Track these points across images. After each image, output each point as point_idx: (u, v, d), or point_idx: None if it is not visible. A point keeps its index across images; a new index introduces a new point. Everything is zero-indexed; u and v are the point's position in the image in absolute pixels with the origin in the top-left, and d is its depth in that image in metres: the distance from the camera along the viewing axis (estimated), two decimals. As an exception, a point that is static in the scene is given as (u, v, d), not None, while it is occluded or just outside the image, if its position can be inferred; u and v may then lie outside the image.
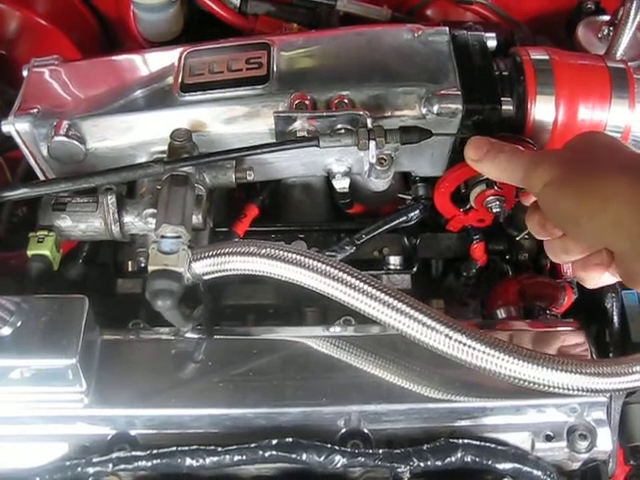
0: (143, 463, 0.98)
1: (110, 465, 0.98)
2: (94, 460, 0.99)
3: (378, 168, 1.12)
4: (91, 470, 0.99)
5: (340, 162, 1.19)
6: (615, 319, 1.14)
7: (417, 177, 1.26)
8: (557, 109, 1.15)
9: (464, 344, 0.94)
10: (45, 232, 1.11)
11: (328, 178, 1.23)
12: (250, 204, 1.27)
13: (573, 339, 1.10)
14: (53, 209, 1.13)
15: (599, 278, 0.97)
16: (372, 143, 1.07)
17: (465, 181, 1.17)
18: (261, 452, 0.98)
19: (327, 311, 1.24)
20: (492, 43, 1.23)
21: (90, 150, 1.16)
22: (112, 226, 1.13)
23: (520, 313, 1.24)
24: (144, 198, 1.14)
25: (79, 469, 0.99)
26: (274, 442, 0.98)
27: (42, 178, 1.20)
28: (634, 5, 1.22)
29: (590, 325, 1.14)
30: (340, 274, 0.97)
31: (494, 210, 1.15)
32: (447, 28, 1.21)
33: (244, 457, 0.98)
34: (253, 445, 0.98)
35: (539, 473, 1.02)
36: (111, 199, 1.11)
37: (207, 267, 1.01)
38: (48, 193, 1.12)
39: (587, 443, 1.04)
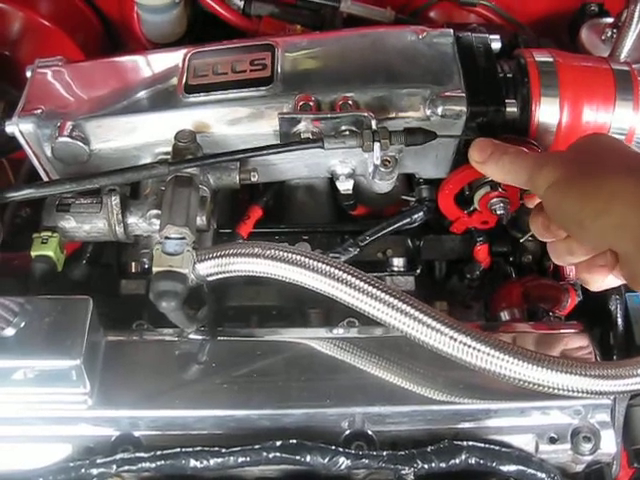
0: (147, 464, 0.98)
1: (114, 466, 0.98)
2: (98, 461, 0.99)
3: (382, 170, 1.12)
4: (95, 471, 0.98)
5: (344, 164, 1.19)
6: (619, 321, 1.14)
7: (421, 179, 1.26)
8: (561, 111, 1.15)
9: (469, 346, 0.94)
10: (49, 233, 1.11)
11: (332, 180, 1.23)
12: (254, 205, 1.27)
13: (577, 341, 1.10)
14: (57, 210, 1.13)
15: (603, 280, 0.97)
16: (376, 145, 1.07)
17: (469, 183, 1.17)
18: (265, 453, 0.98)
19: (330, 313, 1.24)
20: (496, 45, 1.23)
21: (94, 151, 1.16)
22: (116, 227, 1.13)
23: (524, 315, 1.24)
24: (148, 199, 1.14)
25: (83, 470, 0.99)
26: (278, 443, 0.98)
27: (46, 179, 1.20)
28: (638, 7, 1.21)
29: (594, 328, 1.14)
30: (344, 276, 0.97)
31: (498, 212, 1.14)
32: (451, 30, 1.21)
33: (248, 458, 0.98)
34: (257, 446, 0.98)
35: (543, 475, 1.01)
36: (115, 200, 1.11)
37: (211, 268, 1.01)
38: (52, 194, 1.12)
39: (591, 445, 1.04)
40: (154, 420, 1.03)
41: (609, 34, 1.45)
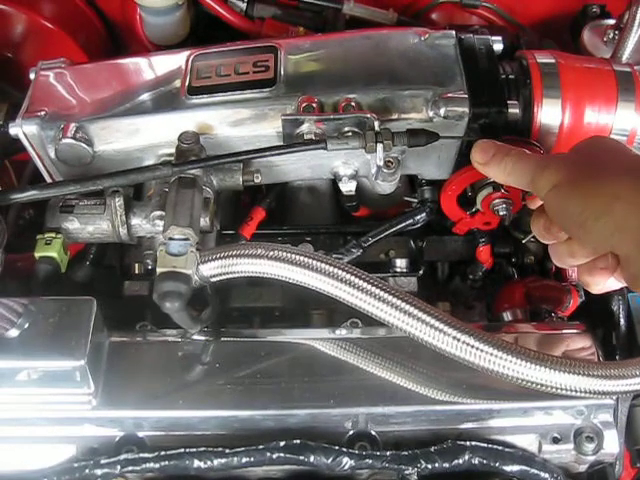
0: (151, 465, 0.99)
1: (118, 467, 0.99)
2: (102, 462, 0.99)
3: (385, 171, 1.12)
4: (99, 472, 0.99)
5: (347, 165, 1.19)
6: (622, 322, 1.14)
7: (423, 180, 1.26)
8: (563, 112, 1.16)
9: (472, 346, 0.94)
10: (53, 234, 1.12)
11: (334, 181, 1.23)
12: (257, 207, 1.27)
13: (580, 342, 1.11)
14: (61, 211, 1.14)
15: (604, 283, 0.96)
16: (379, 146, 1.07)
17: (471, 184, 1.17)
18: (269, 454, 0.98)
19: (333, 314, 1.24)
20: (498, 46, 1.23)
21: (97, 152, 1.17)
22: (120, 228, 1.13)
23: (526, 316, 1.24)
24: (152, 200, 1.14)
25: (87, 471, 0.99)
26: (282, 444, 0.99)
27: (49, 181, 1.21)
28: (640, 9, 1.22)
29: (597, 328, 1.14)
30: (347, 276, 0.97)
31: (500, 213, 1.15)
32: (453, 31, 1.21)
33: (252, 459, 0.98)
34: (261, 447, 0.99)
35: (546, 475, 1.02)
36: (119, 201, 1.11)
37: (215, 269, 1.01)
38: (56, 195, 1.12)
39: (594, 445, 1.04)
40: (158, 421, 1.03)
41: (611, 36, 1.45)
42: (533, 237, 1.07)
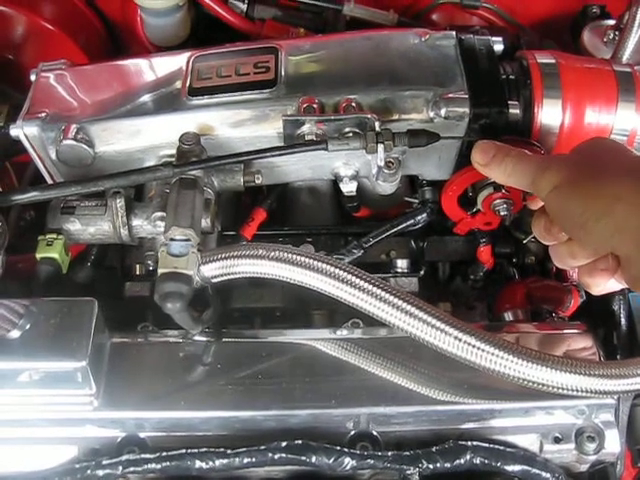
0: (152, 465, 0.99)
1: (119, 468, 0.98)
2: (103, 462, 0.99)
3: (386, 171, 1.12)
4: (100, 473, 0.99)
5: (348, 165, 1.19)
6: (622, 322, 1.14)
7: (424, 180, 1.26)
8: (564, 113, 1.16)
9: (473, 346, 0.94)
10: (54, 235, 1.12)
11: (335, 182, 1.23)
12: (258, 208, 1.27)
13: (581, 341, 1.11)
14: (62, 212, 1.14)
15: (605, 284, 0.97)
16: (380, 146, 1.07)
17: (472, 184, 1.17)
18: (270, 454, 0.98)
19: (334, 314, 1.24)
20: (499, 47, 1.23)
21: (98, 154, 1.17)
22: (121, 229, 1.13)
23: (527, 316, 1.24)
24: (153, 201, 1.14)
25: (88, 471, 0.99)
26: (283, 444, 0.99)
27: (50, 182, 1.21)
28: (640, 9, 1.22)
29: (598, 328, 1.14)
30: (348, 277, 0.97)
31: (501, 213, 1.15)
32: (454, 32, 1.22)
33: (253, 459, 0.98)
34: (262, 447, 0.98)
35: (547, 475, 1.02)
36: (120, 202, 1.12)
37: (216, 270, 1.01)
38: (57, 196, 1.12)
39: (595, 445, 1.04)
40: (159, 421, 1.03)
41: (611, 36, 1.45)
42: (534, 237, 1.07)
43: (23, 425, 1.03)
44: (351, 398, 1.03)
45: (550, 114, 1.16)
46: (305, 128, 1.11)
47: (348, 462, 0.98)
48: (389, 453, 1.00)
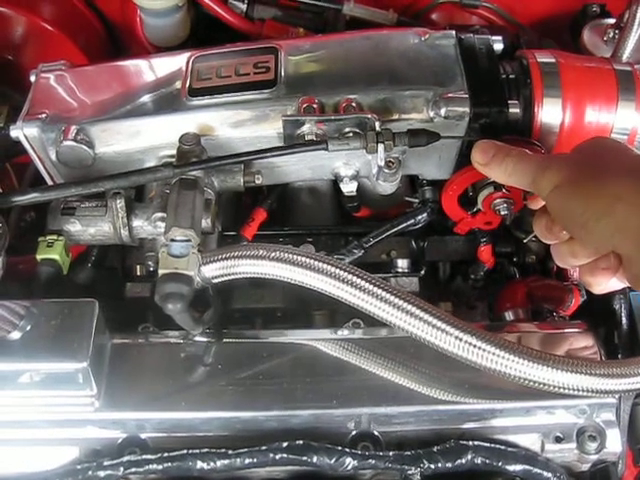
0: (154, 466, 0.99)
1: (121, 469, 0.98)
2: (105, 464, 0.99)
3: (386, 171, 1.12)
4: (102, 474, 0.99)
5: (348, 165, 1.19)
6: (624, 321, 1.14)
7: (424, 180, 1.26)
8: (564, 112, 1.16)
9: (474, 346, 0.94)
10: (54, 236, 1.12)
11: (335, 182, 1.23)
12: (258, 208, 1.27)
13: (582, 341, 1.10)
14: (62, 213, 1.14)
15: (606, 283, 0.96)
16: (380, 146, 1.07)
17: (473, 184, 1.17)
18: (272, 455, 0.98)
19: (335, 314, 1.24)
20: (498, 46, 1.23)
21: (98, 155, 1.17)
22: (121, 230, 1.13)
23: (528, 315, 1.24)
24: (153, 202, 1.14)
25: (90, 472, 0.99)
26: (285, 445, 0.98)
27: (50, 183, 1.21)
28: (640, 8, 1.22)
29: (599, 327, 1.14)
30: (349, 277, 0.97)
31: (502, 213, 1.15)
32: (454, 31, 1.22)
33: (255, 460, 0.98)
34: (264, 448, 0.98)
35: (549, 474, 1.02)
36: (120, 203, 1.11)
37: (217, 270, 1.01)
38: (58, 197, 1.12)
39: (596, 444, 1.04)
40: (160, 422, 1.03)
41: (611, 35, 1.45)
42: (534, 236, 1.07)
43: (24, 426, 1.03)
44: (352, 398, 1.03)
45: (550, 113, 1.16)
46: (305, 128, 1.11)
47: (349, 462, 0.98)
48: (390, 453, 1.00)
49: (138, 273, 1.26)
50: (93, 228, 1.14)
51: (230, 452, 0.99)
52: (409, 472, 0.99)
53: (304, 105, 1.13)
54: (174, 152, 1.12)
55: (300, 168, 1.20)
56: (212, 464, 0.98)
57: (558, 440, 1.05)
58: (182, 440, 1.02)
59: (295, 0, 1.59)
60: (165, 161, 1.15)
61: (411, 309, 0.96)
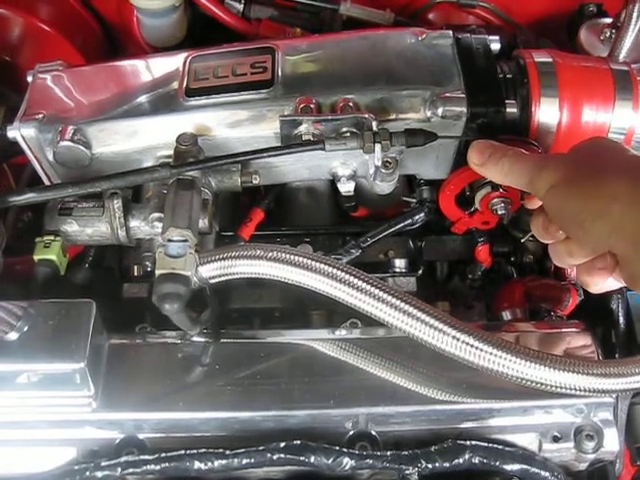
0: (151, 467, 0.99)
1: (118, 469, 0.98)
2: (102, 464, 0.99)
3: (383, 171, 1.13)
4: (99, 474, 0.99)
5: (345, 165, 1.19)
6: (621, 320, 1.14)
7: (422, 180, 1.26)
8: (561, 111, 1.16)
9: (471, 345, 0.95)
10: (52, 237, 1.12)
11: (333, 182, 1.23)
12: (255, 208, 1.27)
13: (579, 340, 1.11)
14: (59, 214, 1.14)
15: (603, 283, 0.96)
16: (377, 146, 1.07)
17: (470, 183, 1.17)
18: (269, 455, 0.98)
19: (333, 314, 1.24)
20: (496, 46, 1.24)
21: (96, 155, 1.16)
22: (118, 230, 1.13)
23: (526, 315, 1.24)
24: (150, 202, 1.14)
25: (87, 473, 0.99)
26: (282, 445, 0.98)
27: (47, 183, 1.20)
28: (637, 7, 1.21)
29: (596, 326, 1.14)
30: (346, 277, 0.97)
31: (499, 212, 1.15)
32: (451, 31, 1.21)
33: (252, 460, 0.98)
34: (261, 448, 0.98)
35: (546, 474, 1.02)
36: (117, 203, 1.11)
37: (214, 271, 1.01)
38: (55, 198, 1.12)
39: (594, 444, 1.04)
40: (158, 422, 1.03)
41: (608, 34, 1.45)
42: (532, 236, 1.07)
43: (22, 427, 1.03)
44: (350, 398, 1.03)
45: (547, 113, 1.16)
46: (302, 128, 1.11)
47: (347, 462, 0.98)
48: (388, 453, 1.00)
49: (135, 273, 1.26)
50: (90, 228, 1.14)
51: (228, 452, 0.99)
52: (407, 472, 0.99)
53: (301, 105, 1.13)
54: (171, 152, 1.12)
55: (297, 168, 1.20)
56: (210, 464, 0.98)
57: (555, 439, 1.05)
58: (180, 440, 1.02)
59: (292, 0, 1.59)
60: (162, 161, 1.15)
61: (408, 309, 0.96)
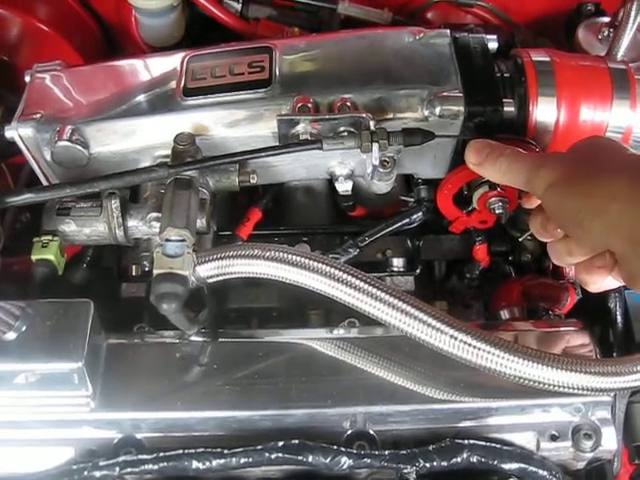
0: (149, 466, 0.99)
1: (117, 469, 0.98)
2: (100, 464, 0.99)
3: (381, 170, 1.13)
4: (98, 474, 0.99)
5: (343, 165, 1.19)
6: (619, 319, 1.14)
7: (419, 179, 1.26)
8: (559, 110, 1.16)
9: (469, 344, 0.94)
10: (49, 237, 1.12)
11: (331, 181, 1.23)
12: (253, 208, 1.27)
13: (577, 339, 1.11)
14: (57, 214, 1.13)
15: (602, 281, 0.96)
16: (375, 145, 1.07)
17: (467, 183, 1.17)
18: (267, 454, 0.98)
19: (331, 314, 1.24)
20: (493, 45, 1.23)
21: (93, 155, 1.16)
22: (116, 230, 1.13)
23: (524, 314, 1.24)
24: (148, 202, 1.14)
25: (85, 473, 0.99)
26: (280, 444, 0.99)
27: (45, 183, 1.20)
28: (634, 6, 1.22)
29: (594, 325, 1.14)
30: (344, 276, 0.97)
31: (497, 211, 1.15)
32: (448, 30, 1.22)
33: (250, 459, 0.98)
34: (259, 447, 0.98)
35: (544, 473, 1.02)
36: (115, 203, 1.11)
37: (212, 270, 1.01)
38: (53, 198, 1.12)
39: (592, 442, 1.04)
40: (156, 422, 1.03)
41: (605, 33, 1.45)
42: (530, 235, 1.07)
43: (20, 427, 1.03)
44: (348, 397, 1.03)
45: (545, 112, 1.16)
46: (300, 127, 1.11)
47: (345, 461, 0.98)
48: (386, 452, 1.00)
49: (133, 273, 1.27)
50: (88, 228, 1.14)
51: (226, 452, 0.99)
52: (405, 471, 0.99)
53: (299, 104, 1.13)
54: (169, 152, 1.12)
55: (295, 167, 1.20)
56: (208, 464, 0.98)
57: (553, 438, 1.05)
58: (178, 440, 1.03)
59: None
60: (160, 161, 1.15)
61: (406, 308, 0.96)
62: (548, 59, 1.18)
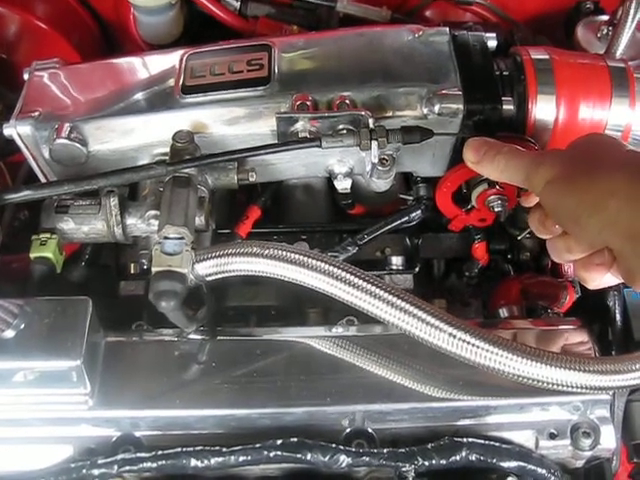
0: (148, 464, 0.98)
1: (115, 467, 0.98)
2: (99, 462, 0.99)
3: (380, 168, 1.12)
4: (96, 472, 0.98)
5: (342, 163, 1.19)
6: (617, 317, 1.15)
7: (418, 177, 1.26)
8: (558, 108, 1.16)
9: (468, 342, 0.94)
10: (48, 235, 1.12)
11: (330, 179, 1.23)
12: (252, 206, 1.27)
13: (576, 337, 1.11)
14: (56, 211, 1.13)
15: (601, 279, 0.96)
16: (374, 143, 1.07)
17: (466, 181, 1.17)
18: (266, 452, 0.98)
19: (329, 312, 1.24)
20: (492, 43, 1.23)
21: (92, 152, 1.16)
22: (115, 228, 1.13)
23: (522, 312, 1.24)
24: (147, 200, 1.14)
25: (84, 471, 0.99)
26: (279, 442, 0.98)
27: (44, 181, 1.20)
28: (633, 4, 1.22)
29: (593, 323, 1.14)
30: (343, 274, 0.97)
31: (496, 209, 1.15)
32: (447, 28, 1.21)
33: (249, 457, 0.98)
34: (258, 445, 0.98)
35: (543, 471, 1.02)
36: (114, 201, 1.11)
37: (210, 268, 1.01)
38: (51, 195, 1.12)
39: (591, 441, 1.04)
40: (155, 420, 1.03)
41: (605, 32, 1.45)
42: (529, 233, 1.07)
43: (18, 425, 1.03)
44: (346, 395, 1.03)
45: (544, 110, 1.16)
46: (299, 125, 1.11)
47: (344, 459, 0.98)
48: (385, 450, 1.00)
49: (132, 271, 1.27)
50: (87, 226, 1.13)
51: (224, 450, 0.99)
52: (403, 469, 0.99)
53: (298, 102, 1.12)
54: (168, 150, 1.12)
55: (294, 165, 1.20)
56: (206, 462, 0.98)
57: (552, 437, 1.05)
58: (176, 438, 1.02)
59: (289, -3, 1.59)
60: (159, 159, 1.15)
61: (405, 306, 0.96)
62: (547, 57, 1.18)
